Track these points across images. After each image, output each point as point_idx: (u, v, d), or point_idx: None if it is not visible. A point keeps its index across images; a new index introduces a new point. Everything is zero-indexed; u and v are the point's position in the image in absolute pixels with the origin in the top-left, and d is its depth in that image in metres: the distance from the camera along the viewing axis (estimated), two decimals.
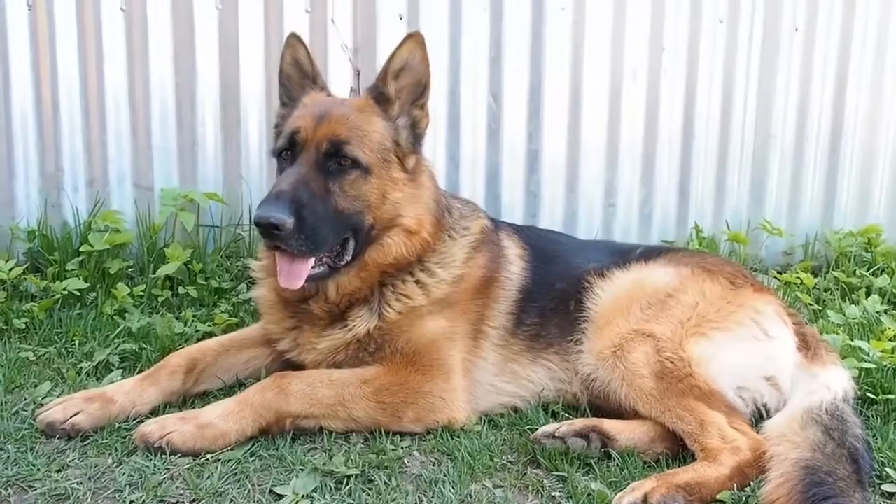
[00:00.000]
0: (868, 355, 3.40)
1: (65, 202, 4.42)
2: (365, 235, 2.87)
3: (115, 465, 2.55)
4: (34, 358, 3.38)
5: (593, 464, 2.67)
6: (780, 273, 4.92)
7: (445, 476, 2.58)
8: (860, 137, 5.38)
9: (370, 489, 2.49)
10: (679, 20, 4.98)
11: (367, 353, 2.94)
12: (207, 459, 2.57)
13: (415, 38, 2.89)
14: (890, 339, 3.63)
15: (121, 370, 3.26)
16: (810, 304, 4.39)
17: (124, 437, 2.69)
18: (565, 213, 5.03)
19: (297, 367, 3.01)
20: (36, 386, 3.10)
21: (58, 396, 2.94)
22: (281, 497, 2.42)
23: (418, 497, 2.48)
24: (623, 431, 2.75)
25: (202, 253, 4.36)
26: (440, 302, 2.99)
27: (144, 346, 3.44)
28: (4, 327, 3.64)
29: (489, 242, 3.19)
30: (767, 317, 3.01)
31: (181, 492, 2.43)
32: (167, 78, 4.46)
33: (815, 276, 4.85)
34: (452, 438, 2.80)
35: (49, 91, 4.36)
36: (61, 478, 2.47)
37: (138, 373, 3.09)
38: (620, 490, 2.48)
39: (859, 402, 3.11)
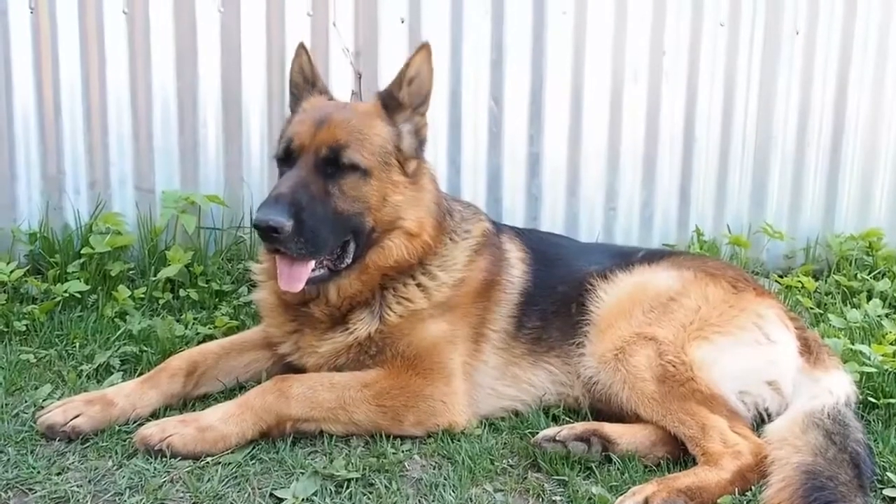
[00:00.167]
0: (869, 359, 3.39)
1: (66, 204, 4.42)
2: (365, 238, 2.87)
3: (115, 467, 2.55)
4: (35, 360, 3.38)
5: (594, 468, 2.67)
6: (781, 277, 4.92)
7: (446, 480, 2.57)
8: (861, 141, 5.38)
9: (370, 493, 2.48)
10: (680, 24, 4.99)
11: (368, 357, 2.94)
12: (208, 462, 2.57)
13: (426, 49, 2.92)
14: (891, 343, 3.63)
15: (121, 373, 3.26)
16: (811, 308, 4.39)
17: (124, 440, 2.68)
18: (566, 216, 5.03)
19: (298, 370, 3.01)
20: (36, 388, 3.10)
21: (58, 399, 2.94)
22: (281, 500, 2.42)
23: (419, 501, 2.47)
24: (624, 435, 2.75)
25: (203, 255, 4.36)
26: (441, 305, 2.99)
27: (145, 348, 3.43)
28: (5, 329, 3.64)
29: (490, 245, 3.19)
30: (769, 321, 3.00)
31: (181, 495, 2.42)
32: (169, 80, 4.46)
33: (817, 279, 4.85)
34: (453, 442, 2.79)
35: (51, 93, 4.36)
36: (61, 480, 2.46)
37: (139, 375, 3.08)
38: (621, 494, 2.48)
39: (861, 406, 3.10)
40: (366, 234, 2.86)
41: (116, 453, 2.62)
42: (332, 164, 2.80)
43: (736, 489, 2.52)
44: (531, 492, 2.56)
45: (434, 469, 2.65)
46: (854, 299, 4.61)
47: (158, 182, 4.50)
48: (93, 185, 4.46)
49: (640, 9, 4.92)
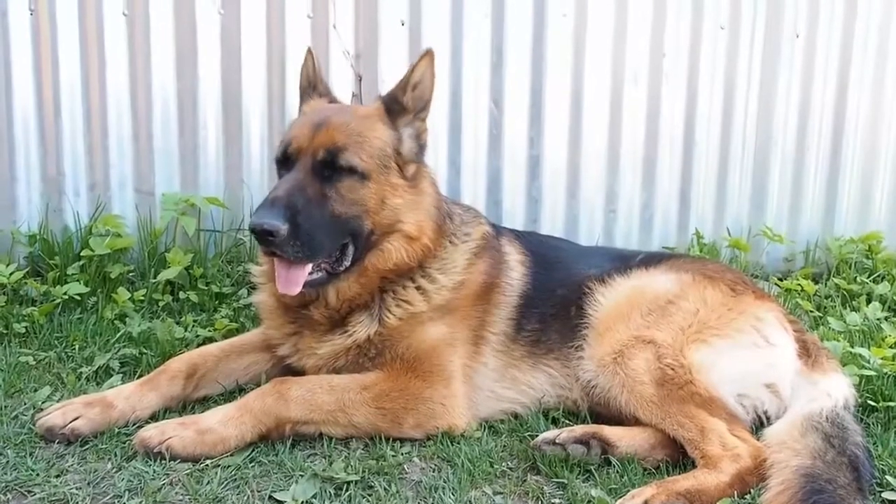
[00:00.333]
0: (868, 362, 3.40)
1: (66, 206, 4.42)
2: (364, 241, 2.87)
3: (114, 470, 2.55)
4: (34, 362, 3.38)
5: (593, 470, 2.67)
6: (780, 280, 4.92)
7: (445, 482, 2.58)
8: (861, 144, 5.38)
9: (370, 495, 2.48)
10: (680, 26, 4.99)
11: (367, 359, 2.94)
12: (207, 465, 2.57)
13: (430, 55, 2.93)
14: (890, 347, 3.63)
15: (121, 375, 3.26)
16: (811, 311, 4.39)
17: (124, 443, 2.68)
18: (566, 218, 5.03)
19: (298, 372, 3.01)
20: (36, 390, 3.10)
21: (57, 401, 2.94)
22: (281, 503, 2.42)
23: (418, 503, 2.47)
24: (623, 438, 2.75)
25: (203, 258, 4.36)
26: (441, 308, 2.99)
27: (145, 350, 3.43)
28: (4, 331, 3.64)
29: (490, 248, 3.19)
30: (768, 324, 3.01)
31: (181, 497, 2.42)
32: (169, 82, 4.46)
33: (816, 282, 4.85)
34: (452, 444, 2.79)
35: (51, 95, 4.36)
36: (60, 483, 2.47)
37: (138, 378, 3.08)
38: (620, 497, 2.49)
39: (860, 409, 3.10)
40: (364, 237, 2.86)
41: (116, 456, 2.62)
42: (330, 167, 2.80)
43: (735, 492, 2.52)
44: (530, 494, 2.56)
45: (433, 471, 2.65)
46: (853, 302, 4.61)
47: (158, 184, 4.49)
48: (93, 187, 4.46)
49: (640, 11, 4.92)
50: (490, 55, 4.77)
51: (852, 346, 3.64)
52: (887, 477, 2.68)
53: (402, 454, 2.73)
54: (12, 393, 3.10)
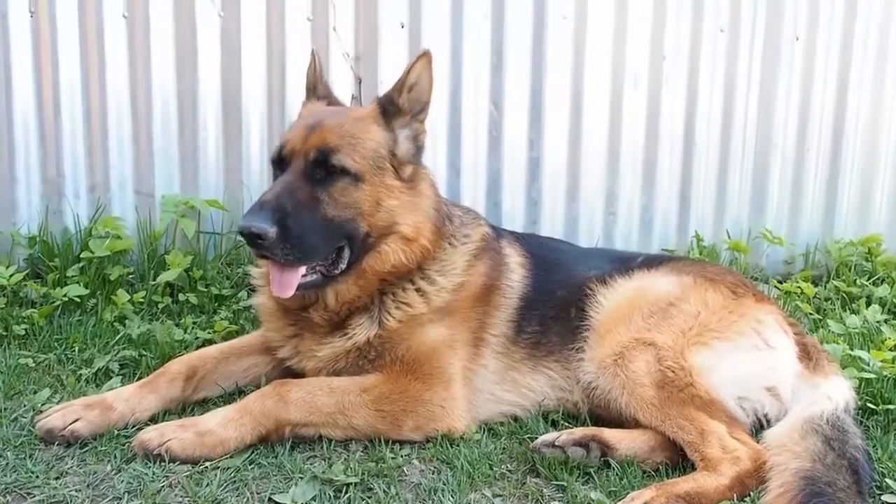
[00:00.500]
0: (868, 365, 3.39)
1: (66, 208, 4.42)
2: (360, 243, 2.86)
3: (113, 472, 2.55)
4: (34, 364, 3.38)
5: (593, 473, 2.67)
6: (780, 282, 4.92)
7: (445, 485, 2.57)
8: (861, 146, 5.38)
9: (369, 497, 2.48)
10: (680, 29, 4.99)
11: (367, 361, 2.93)
12: (206, 467, 2.57)
13: (427, 57, 2.92)
14: (890, 349, 3.63)
15: (120, 377, 3.26)
16: (811, 314, 4.39)
17: (123, 445, 2.68)
18: (566, 220, 5.03)
19: (298, 374, 3.01)
20: (35, 392, 3.10)
21: (57, 403, 2.95)
22: None
23: None
24: (623, 440, 2.74)
25: (203, 260, 4.36)
26: (441, 310, 2.98)
27: (144, 352, 3.43)
28: (4, 333, 3.64)
29: (490, 250, 3.19)
30: (768, 326, 3.00)
31: (180, 499, 2.42)
32: (169, 84, 4.46)
33: (816, 285, 4.85)
34: (452, 447, 2.79)
35: (51, 97, 4.36)
36: (60, 485, 2.47)
37: (138, 380, 3.08)
38: (620, 499, 2.49)
39: (860, 412, 3.10)
40: (360, 239, 2.85)
41: (115, 458, 2.62)
42: (322, 169, 2.80)
43: (735, 495, 2.52)
44: (530, 497, 2.56)
45: (433, 474, 2.65)
46: (853, 305, 4.61)
47: (158, 186, 4.50)
48: (92, 189, 4.46)
49: (640, 13, 4.93)
50: (490, 57, 4.77)
51: (852, 349, 3.64)
52: (887, 480, 2.68)
53: (402, 456, 2.73)
54: (12, 395, 3.10)
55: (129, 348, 3.48)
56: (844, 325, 4.13)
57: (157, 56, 4.42)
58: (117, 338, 3.57)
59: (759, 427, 2.85)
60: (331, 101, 3.21)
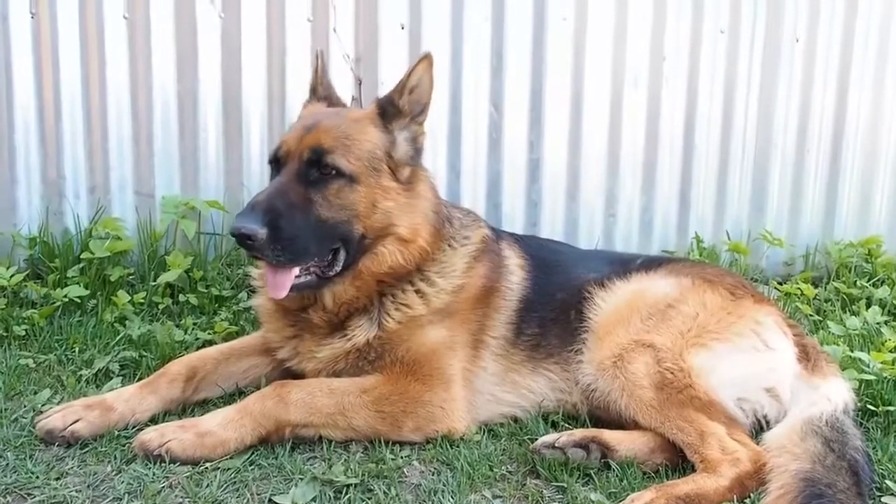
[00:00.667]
0: (868, 367, 3.39)
1: (66, 209, 4.43)
2: (356, 245, 2.86)
3: (114, 472, 2.55)
4: (34, 365, 3.38)
5: (593, 474, 2.67)
6: (780, 284, 4.92)
7: (445, 486, 2.58)
8: (861, 147, 5.38)
9: (369, 499, 2.49)
10: (680, 31, 5.00)
11: (367, 363, 2.93)
12: (206, 468, 2.57)
13: (428, 60, 2.92)
14: (890, 351, 3.62)
15: (120, 378, 3.26)
16: (811, 315, 4.39)
17: (123, 445, 2.68)
18: (566, 222, 5.04)
19: (297, 375, 3.01)
20: (35, 393, 3.10)
21: (57, 404, 2.95)
22: None
23: None
24: (623, 442, 2.75)
25: (203, 261, 4.36)
26: (440, 311, 2.98)
27: (144, 353, 3.43)
28: (5, 334, 3.64)
29: (490, 252, 3.19)
30: (768, 328, 3.00)
31: (180, 500, 2.43)
32: (169, 85, 4.47)
33: (816, 286, 4.85)
34: (452, 448, 2.79)
35: (51, 98, 4.36)
36: (60, 485, 2.47)
37: (138, 380, 3.08)
38: (620, 501, 2.49)
39: (859, 413, 3.10)
40: (356, 241, 2.85)
41: (115, 458, 2.62)
42: (316, 170, 2.80)
43: (734, 496, 2.52)
44: (530, 498, 2.56)
45: (433, 475, 2.65)
46: (853, 306, 4.61)
47: (158, 187, 4.50)
48: (93, 190, 4.46)
49: (640, 14, 4.93)
50: (490, 58, 4.78)
51: (852, 351, 3.64)
52: (887, 481, 2.68)
53: (402, 457, 2.73)
54: (12, 395, 3.10)
55: (130, 349, 3.48)
56: (844, 326, 4.13)
57: (157, 57, 4.43)
58: (117, 338, 3.57)
59: (758, 428, 2.85)
60: (331, 102, 3.21)
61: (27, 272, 4.14)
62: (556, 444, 2.72)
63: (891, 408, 3.14)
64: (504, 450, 2.85)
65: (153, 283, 4.11)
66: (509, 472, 2.71)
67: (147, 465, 2.57)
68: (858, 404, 3.09)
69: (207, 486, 2.48)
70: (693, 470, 2.64)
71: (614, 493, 2.57)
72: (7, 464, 2.57)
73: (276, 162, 2.90)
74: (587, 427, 2.94)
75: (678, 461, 2.74)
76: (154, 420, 2.87)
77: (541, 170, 4.94)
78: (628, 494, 2.51)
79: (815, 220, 5.40)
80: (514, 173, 4.91)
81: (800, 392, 2.90)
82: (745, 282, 3.41)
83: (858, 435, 2.71)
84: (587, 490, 2.59)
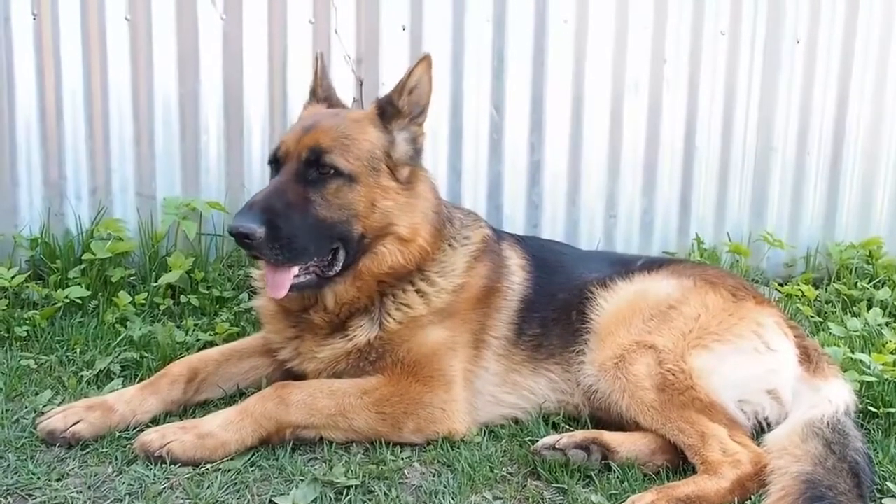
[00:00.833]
0: (869, 368, 3.39)
1: (67, 210, 4.43)
2: (356, 245, 2.87)
3: (115, 474, 2.55)
4: (35, 366, 3.39)
5: (594, 476, 2.67)
6: (781, 285, 4.92)
7: (445, 487, 2.58)
8: (862, 149, 5.38)
9: (370, 500, 2.49)
10: (681, 32, 5.00)
11: (367, 363, 2.94)
12: (207, 469, 2.57)
13: (427, 60, 2.93)
14: (891, 352, 3.63)
15: (122, 379, 3.26)
16: (811, 317, 4.39)
17: (124, 446, 2.69)
18: (567, 223, 5.04)
19: (298, 376, 3.02)
20: (37, 394, 3.10)
21: (58, 405, 2.95)
22: None
23: None
24: (624, 443, 2.75)
25: (204, 262, 4.37)
26: (441, 312, 2.99)
27: (145, 354, 3.43)
28: (6, 335, 3.65)
29: (490, 252, 3.19)
30: (769, 329, 3.00)
31: (181, 501, 2.43)
32: (171, 87, 4.47)
33: (817, 288, 4.85)
34: (453, 449, 2.79)
35: (53, 99, 4.37)
36: (61, 486, 2.47)
37: (139, 382, 3.09)
38: (621, 503, 2.49)
39: (860, 415, 3.10)
40: (355, 241, 2.85)
41: (116, 459, 2.62)
42: (315, 169, 2.81)
43: (735, 498, 2.52)
44: (530, 500, 2.56)
45: (433, 476, 2.65)
46: (854, 308, 4.61)
47: (160, 188, 4.51)
48: (94, 191, 4.47)
49: (641, 17, 4.93)
50: (491, 60, 4.78)
51: (853, 352, 3.63)
52: (888, 483, 2.68)
53: (403, 459, 2.73)
54: (13, 396, 3.10)
55: (131, 350, 3.48)
56: (845, 328, 4.13)
57: (159, 58, 4.43)
58: (118, 339, 3.58)
59: (759, 430, 2.85)
60: (332, 103, 3.22)
61: (28, 273, 4.14)
62: (557, 446, 2.72)
63: (892, 409, 3.14)
64: (505, 451, 2.85)
65: (154, 284, 4.11)
66: (510, 474, 2.71)
67: (148, 466, 2.57)
68: (859, 406, 3.08)
69: (208, 487, 2.48)
70: (694, 471, 2.64)
71: (615, 495, 2.57)
72: (8, 465, 2.57)
73: (276, 162, 2.91)
74: (588, 428, 2.94)
75: (679, 463, 2.74)
76: (155, 421, 2.87)
77: (542, 171, 4.94)
78: (629, 496, 2.51)
79: (816, 222, 5.40)
80: (515, 175, 4.91)
81: (801, 394, 2.90)
82: (747, 283, 3.41)
83: (859, 437, 2.70)
84: (588, 492, 2.59)
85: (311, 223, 2.76)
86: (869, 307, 4.55)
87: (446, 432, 2.86)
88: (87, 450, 2.68)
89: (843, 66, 5.26)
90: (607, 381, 2.89)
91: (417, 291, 2.99)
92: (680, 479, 2.61)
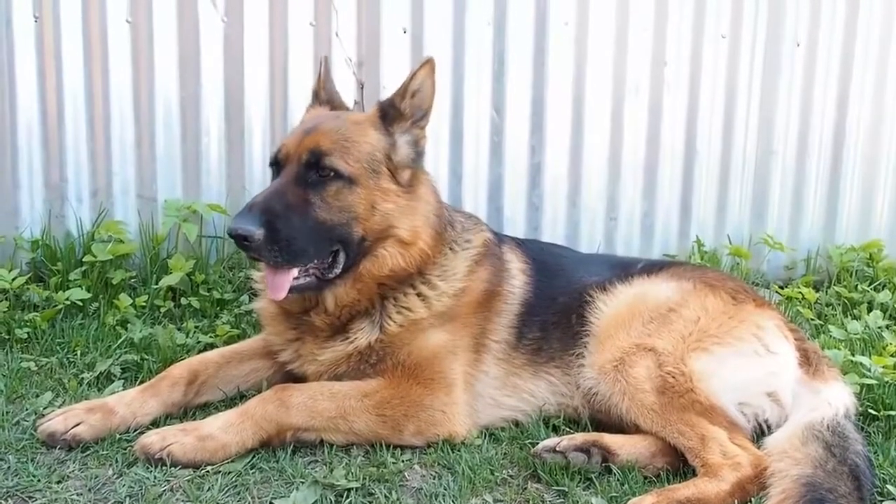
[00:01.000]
0: (869, 371, 3.39)
1: (68, 212, 4.43)
2: (356, 247, 2.87)
3: (115, 476, 2.56)
4: (36, 368, 3.39)
5: (594, 478, 2.67)
6: (781, 288, 4.92)
7: (446, 490, 2.58)
8: (862, 152, 5.38)
9: (370, 502, 2.49)
10: (681, 35, 5.00)
11: (368, 366, 2.94)
12: (208, 471, 2.58)
13: (430, 64, 2.94)
14: (891, 355, 3.63)
15: (122, 381, 3.26)
16: (812, 319, 4.39)
17: (125, 449, 2.69)
18: (567, 226, 5.04)
19: (299, 378, 3.02)
20: (37, 396, 3.11)
21: (59, 407, 2.95)
22: None
23: None
24: (624, 446, 2.75)
25: (205, 264, 4.37)
26: (442, 315, 2.99)
27: (146, 356, 3.44)
28: (7, 337, 3.65)
29: (491, 256, 3.19)
30: (769, 332, 3.00)
31: None
32: (172, 89, 4.47)
33: (817, 290, 4.85)
34: (453, 452, 2.80)
35: (54, 101, 4.37)
36: (61, 489, 2.47)
37: (140, 384, 3.09)
38: None
39: (861, 418, 3.10)
40: (355, 243, 2.86)
41: (117, 462, 2.62)
42: (314, 172, 2.81)
43: (735, 501, 2.52)
44: (531, 502, 2.56)
45: (434, 479, 2.65)
46: (854, 311, 4.61)
47: (160, 190, 4.51)
48: (95, 194, 4.47)
49: (641, 20, 4.94)
50: (492, 63, 4.78)
51: (853, 355, 3.63)
52: (888, 486, 2.67)
53: (403, 461, 2.73)
54: (14, 398, 3.11)
55: (131, 352, 3.48)
56: (846, 330, 4.13)
57: (160, 61, 4.44)
58: (119, 341, 3.57)
59: (759, 433, 2.85)
60: (334, 105, 3.22)
61: (29, 275, 4.14)
62: (557, 448, 2.72)
63: (892, 412, 3.14)
64: (505, 454, 2.85)
65: (155, 287, 4.11)
66: (510, 476, 2.71)
67: (148, 468, 2.57)
68: (860, 409, 3.09)
69: (209, 489, 2.48)
70: (694, 474, 2.64)
71: (615, 498, 2.57)
72: (9, 467, 2.58)
73: (277, 164, 2.91)
74: (588, 431, 2.93)
75: (679, 465, 2.74)
76: (155, 423, 2.87)
77: (542, 174, 4.94)
78: (629, 498, 2.51)
79: (817, 224, 5.40)
80: (516, 177, 4.91)
81: (801, 396, 2.90)
82: (747, 286, 3.41)
83: (860, 439, 2.70)
84: (588, 494, 2.59)
85: (311, 225, 2.77)
86: (869, 310, 4.55)
87: (447, 435, 2.86)
88: (88, 452, 2.68)
89: (843, 69, 5.26)
90: (607, 383, 2.89)
91: (418, 294, 2.99)
92: (680, 482, 2.61)
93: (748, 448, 2.67)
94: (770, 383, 2.89)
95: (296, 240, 2.73)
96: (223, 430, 2.66)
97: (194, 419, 2.91)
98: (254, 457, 2.68)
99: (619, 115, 4.99)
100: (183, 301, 4.09)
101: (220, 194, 4.56)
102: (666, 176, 5.12)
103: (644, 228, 5.15)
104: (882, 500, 2.61)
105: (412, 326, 2.95)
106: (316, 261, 2.82)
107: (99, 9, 4.35)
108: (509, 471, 2.74)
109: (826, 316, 4.51)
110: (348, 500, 2.48)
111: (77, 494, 2.45)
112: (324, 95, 3.21)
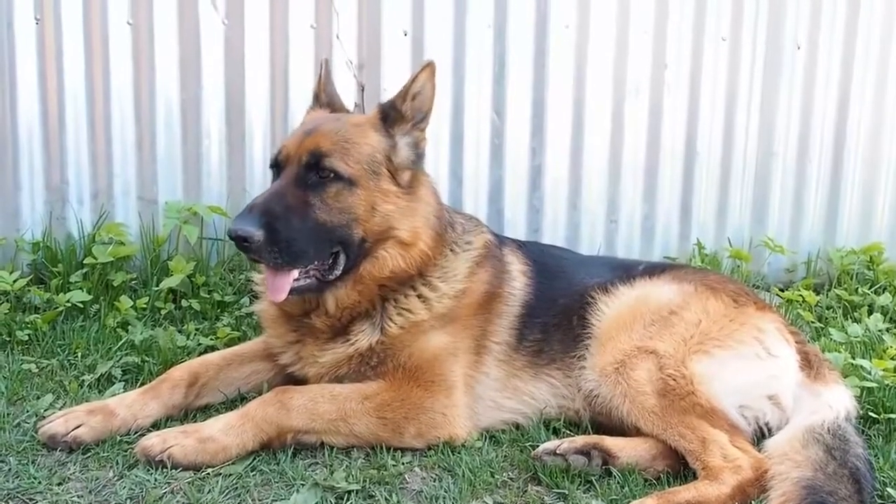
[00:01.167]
0: (870, 374, 3.39)
1: (69, 214, 4.43)
2: (356, 249, 2.87)
3: (116, 478, 2.56)
4: (37, 370, 3.39)
5: (594, 481, 2.67)
6: (782, 290, 4.92)
7: (446, 492, 2.58)
8: (863, 155, 5.38)
9: None
10: (682, 38, 5.00)
11: (369, 368, 2.94)
12: (208, 473, 2.58)
13: (431, 67, 2.94)
14: (892, 358, 3.63)
15: (123, 383, 3.26)
16: (812, 322, 4.39)
17: (125, 451, 2.69)
18: (568, 228, 5.04)
19: (299, 381, 3.02)
20: (38, 398, 3.11)
21: (60, 409, 2.95)
22: None
23: None
24: (625, 449, 2.75)
25: (205, 266, 4.37)
26: (442, 317, 2.99)
27: (147, 358, 3.44)
28: (7, 339, 3.65)
29: (492, 257, 3.19)
30: (770, 335, 3.00)
31: None
32: (173, 91, 4.48)
33: (818, 293, 4.85)
34: (453, 454, 2.79)
35: (55, 103, 4.38)
36: (62, 491, 2.47)
37: (140, 386, 3.09)
38: None
39: (861, 421, 3.10)
40: (356, 244, 2.86)
41: (117, 464, 2.62)
42: (314, 173, 2.81)
43: (736, 503, 2.52)
44: None
45: (434, 481, 2.65)
46: (855, 313, 4.61)
47: (161, 192, 4.51)
48: (96, 196, 4.47)
49: (641, 22, 4.94)
50: (492, 65, 4.79)
51: (854, 358, 3.63)
52: (888, 489, 2.67)
53: (403, 464, 2.73)
54: (15, 400, 3.11)
55: (132, 354, 3.48)
56: (846, 333, 4.13)
57: (161, 63, 4.44)
58: (120, 344, 3.58)
59: (760, 436, 2.85)
60: (334, 108, 3.22)
61: (30, 277, 4.14)
62: (558, 451, 2.71)
63: (892, 415, 3.14)
64: (505, 456, 2.85)
65: (156, 289, 4.11)
66: (511, 479, 2.71)
67: (149, 470, 2.57)
68: (860, 412, 3.08)
69: (209, 491, 2.48)
70: (695, 477, 2.64)
71: (616, 500, 2.57)
72: (9, 469, 2.58)
73: (277, 166, 2.91)
74: (589, 434, 2.93)
75: (680, 468, 2.73)
76: (156, 425, 2.87)
77: (543, 176, 4.94)
78: (630, 501, 2.51)
79: (817, 227, 5.40)
80: (516, 180, 4.92)
81: (802, 399, 2.90)
82: (748, 289, 3.41)
83: (860, 443, 2.70)
84: (588, 497, 2.59)
85: (311, 227, 2.77)
86: (870, 313, 4.55)
87: (447, 437, 2.86)
88: (88, 454, 2.68)
89: (843, 72, 5.26)
90: (608, 386, 2.89)
91: (419, 296, 2.99)
92: (681, 485, 2.61)
93: (749, 451, 2.67)
94: (771, 386, 2.89)
95: (296, 241, 2.73)
96: (224, 432, 2.66)
97: (195, 421, 2.91)
98: (254, 459, 2.68)
99: (619, 117, 4.99)
100: (183, 303, 4.09)
101: (221, 196, 4.57)
102: (666, 178, 5.12)
103: (644, 231, 5.15)
104: (882, 503, 2.61)
105: (413, 328, 2.95)
106: (316, 262, 2.82)
107: (100, 11, 4.36)
108: (510, 473, 2.74)
109: (826, 319, 4.52)
110: (349, 503, 2.48)
111: (78, 496, 2.45)
112: (324, 97, 3.22)
